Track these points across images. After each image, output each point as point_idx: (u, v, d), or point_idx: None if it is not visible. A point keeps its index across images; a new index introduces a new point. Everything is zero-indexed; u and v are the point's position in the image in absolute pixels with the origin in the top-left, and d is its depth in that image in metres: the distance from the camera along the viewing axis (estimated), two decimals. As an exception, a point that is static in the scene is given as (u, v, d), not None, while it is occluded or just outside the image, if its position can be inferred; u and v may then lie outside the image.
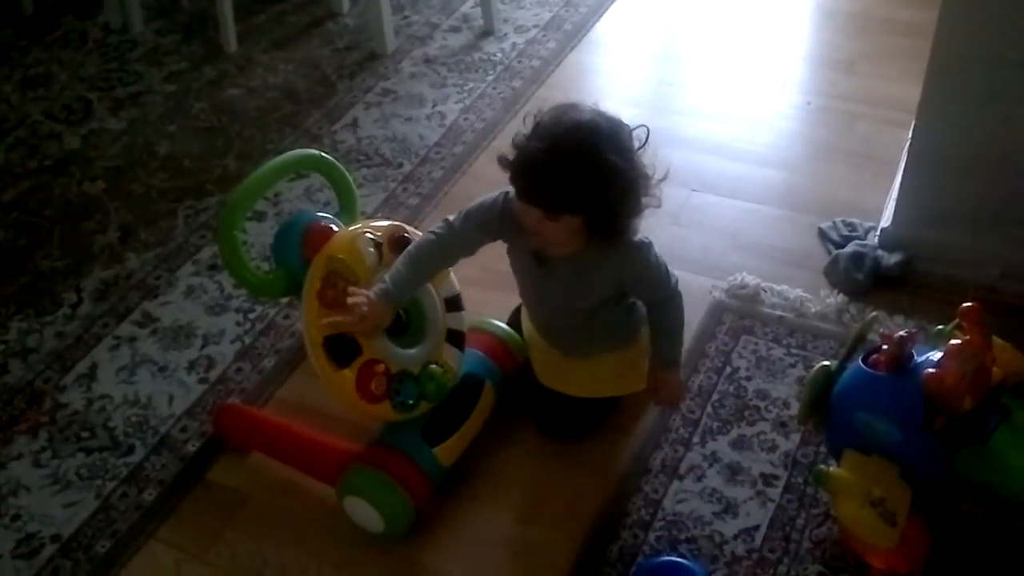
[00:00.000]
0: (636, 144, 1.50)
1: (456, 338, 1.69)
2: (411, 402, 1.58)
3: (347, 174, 1.80)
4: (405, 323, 1.64)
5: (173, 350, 1.96)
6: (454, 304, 1.71)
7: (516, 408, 1.77)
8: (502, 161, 1.49)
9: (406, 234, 1.66)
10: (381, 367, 1.54)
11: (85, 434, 1.82)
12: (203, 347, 1.96)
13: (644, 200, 1.51)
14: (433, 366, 1.62)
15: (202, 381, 1.90)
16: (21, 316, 2.05)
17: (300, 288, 1.56)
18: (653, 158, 1.51)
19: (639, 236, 1.58)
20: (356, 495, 1.57)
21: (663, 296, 1.65)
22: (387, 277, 1.57)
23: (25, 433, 1.82)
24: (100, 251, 2.20)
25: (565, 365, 1.73)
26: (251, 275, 1.66)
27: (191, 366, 1.93)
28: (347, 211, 1.78)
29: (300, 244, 1.62)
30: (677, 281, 1.66)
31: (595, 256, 1.56)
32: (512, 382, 1.77)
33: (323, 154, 1.79)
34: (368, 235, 1.62)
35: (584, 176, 1.43)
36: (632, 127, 1.50)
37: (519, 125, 1.51)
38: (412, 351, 1.60)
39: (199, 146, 2.49)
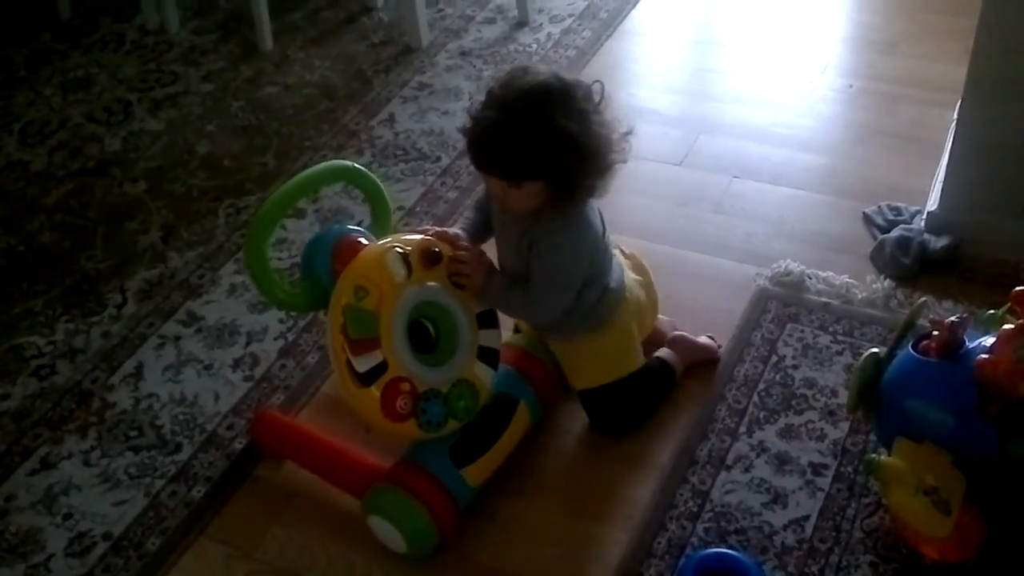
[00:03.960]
0: (594, 102, 1.48)
1: (489, 355, 1.63)
2: (438, 422, 1.55)
3: (380, 184, 1.77)
4: (434, 340, 1.59)
5: (218, 348, 1.98)
6: (488, 320, 1.64)
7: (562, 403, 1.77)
8: (463, 131, 1.51)
9: (437, 248, 1.59)
10: (407, 386, 1.50)
11: (133, 433, 1.84)
12: (247, 345, 1.98)
13: (609, 158, 1.50)
14: (463, 384, 1.58)
15: (247, 379, 1.91)
16: (68, 317, 2.08)
17: (327, 302, 1.53)
18: (615, 112, 1.51)
19: (584, 214, 1.56)
20: (379, 515, 1.55)
21: (534, 288, 1.58)
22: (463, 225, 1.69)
23: (74, 433, 1.84)
24: (143, 251, 2.22)
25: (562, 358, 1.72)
26: (280, 291, 1.64)
27: (236, 364, 1.94)
28: (379, 223, 1.75)
29: (329, 257, 1.59)
30: (559, 307, 1.60)
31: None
32: (553, 398, 1.74)
33: (356, 165, 1.76)
34: (397, 250, 1.55)
35: (537, 142, 1.44)
36: (588, 84, 1.50)
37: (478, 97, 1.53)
38: (440, 369, 1.56)
39: (238, 145, 2.50)
